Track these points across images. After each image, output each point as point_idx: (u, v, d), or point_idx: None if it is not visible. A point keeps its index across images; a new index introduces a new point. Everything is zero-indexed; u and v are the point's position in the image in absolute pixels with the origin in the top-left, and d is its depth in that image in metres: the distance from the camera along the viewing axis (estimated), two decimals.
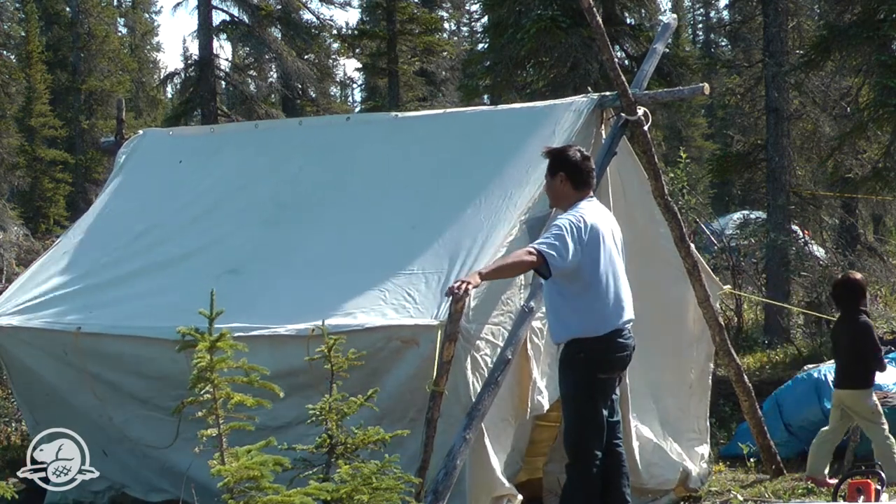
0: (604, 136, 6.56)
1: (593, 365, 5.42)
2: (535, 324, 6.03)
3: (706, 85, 6.85)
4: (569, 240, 5.26)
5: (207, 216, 7.02)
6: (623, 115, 6.49)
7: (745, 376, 7.44)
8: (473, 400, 5.50)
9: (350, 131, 7.27)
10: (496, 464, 5.69)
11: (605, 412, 5.50)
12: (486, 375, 5.59)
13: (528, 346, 5.96)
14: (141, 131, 8.30)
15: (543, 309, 6.08)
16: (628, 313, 5.53)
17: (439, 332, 5.37)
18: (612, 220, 5.70)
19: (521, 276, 5.93)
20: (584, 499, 5.49)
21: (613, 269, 5.48)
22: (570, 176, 5.54)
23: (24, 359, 6.82)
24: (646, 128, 6.59)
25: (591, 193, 5.62)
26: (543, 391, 6.07)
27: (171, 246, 6.89)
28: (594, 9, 6.39)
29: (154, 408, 6.31)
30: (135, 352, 6.30)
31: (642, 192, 6.84)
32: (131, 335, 6.29)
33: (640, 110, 6.55)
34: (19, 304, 6.89)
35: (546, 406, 6.11)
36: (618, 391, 5.69)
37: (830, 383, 8.01)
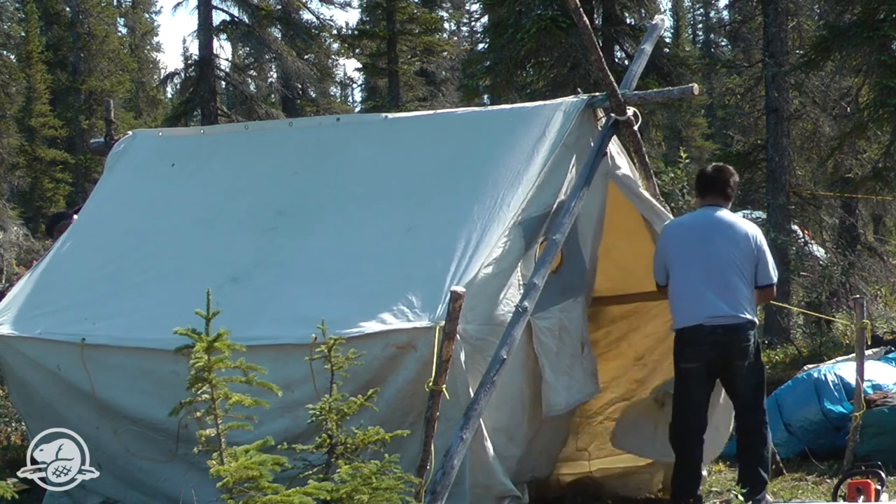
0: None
1: (676, 355, 6.33)
2: (543, 324, 6.01)
3: (696, 85, 6.87)
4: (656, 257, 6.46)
5: (206, 223, 6.94)
6: (613, 115, 6.51)
7: None
8: None
9: (341, 133, 7.22)
10: (497, 464, 5.68)
11: (701, 395, 6.24)
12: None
13: (537, 345, 5.95)
14: (130, 132, 8.11)
15: (550, 310, 6.11)
16: (711, 311, 6.13)
17: (437, 333, 5.36)
18: (725, 226, 6.31)
19: (520, 276, 5.91)
20: (679, 475, 6.19)
21: (692, 271, 6.20)
22: (695, 187, 6.66)
23: (19, 370, 6.76)
24: (636, 128, 6.60)
25: (721, 201, 6.42)
26: (562, 391, 6.06)
27: (172, 254, 6.77)
28: (581, 9, 6.37)
29: (153, 420, 6.26)
30: (139, 364, 6.26)
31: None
32: (137, 347, 6.24)
33: (630, 110, 6.55)
34: (19, 314, 6.83)
35: (564, 406, 6.11)
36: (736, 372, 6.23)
37: (830, 384, 8.01)
